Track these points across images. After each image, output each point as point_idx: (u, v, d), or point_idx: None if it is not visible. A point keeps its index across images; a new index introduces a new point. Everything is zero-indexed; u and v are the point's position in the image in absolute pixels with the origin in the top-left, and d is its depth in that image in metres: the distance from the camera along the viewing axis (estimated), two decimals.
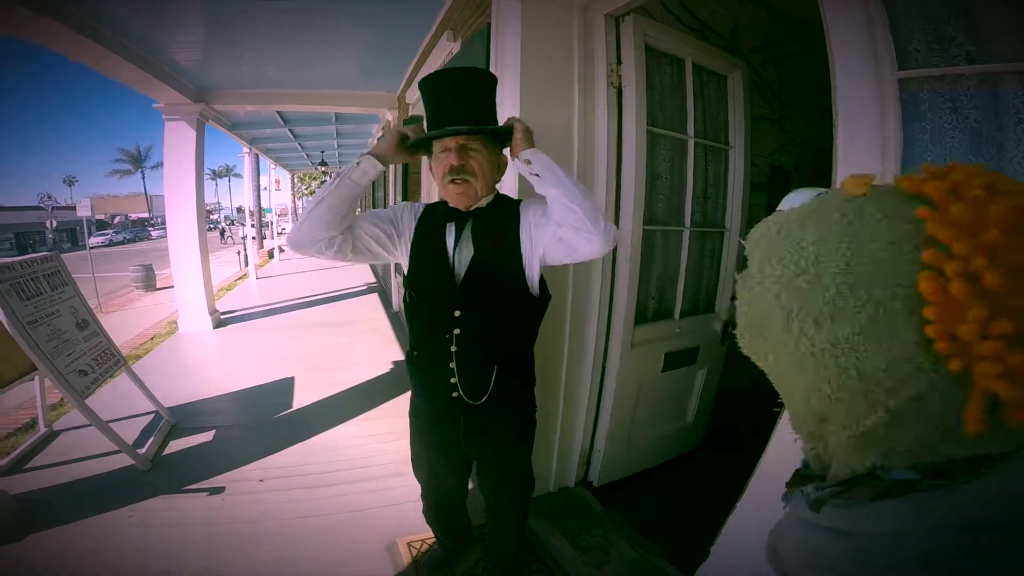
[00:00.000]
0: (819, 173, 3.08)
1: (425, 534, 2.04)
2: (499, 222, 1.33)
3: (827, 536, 0.41)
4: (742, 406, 2.78)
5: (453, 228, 1.33)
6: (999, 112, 0.96)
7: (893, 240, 0.33)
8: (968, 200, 0.32)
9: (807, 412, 0.41)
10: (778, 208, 0.44)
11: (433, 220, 1.36)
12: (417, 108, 4.56)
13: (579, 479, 2.44)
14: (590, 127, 1.94)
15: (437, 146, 1.29)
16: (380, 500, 2.35)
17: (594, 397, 2.28)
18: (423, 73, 3.91)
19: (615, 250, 2.08)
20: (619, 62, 1.93)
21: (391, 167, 5.95)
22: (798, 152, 3.06)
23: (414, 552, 1.99)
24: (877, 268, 0.33)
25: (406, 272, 1.38)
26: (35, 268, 2.64)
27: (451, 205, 1.34)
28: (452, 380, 1.34)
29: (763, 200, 3.02)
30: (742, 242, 0.45)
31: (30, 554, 1.99)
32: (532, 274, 1.31)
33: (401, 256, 1.40)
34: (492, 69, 2.02)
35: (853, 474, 0.39)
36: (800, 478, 0.49)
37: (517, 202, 1.40)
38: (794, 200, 0.43)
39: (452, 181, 1.27)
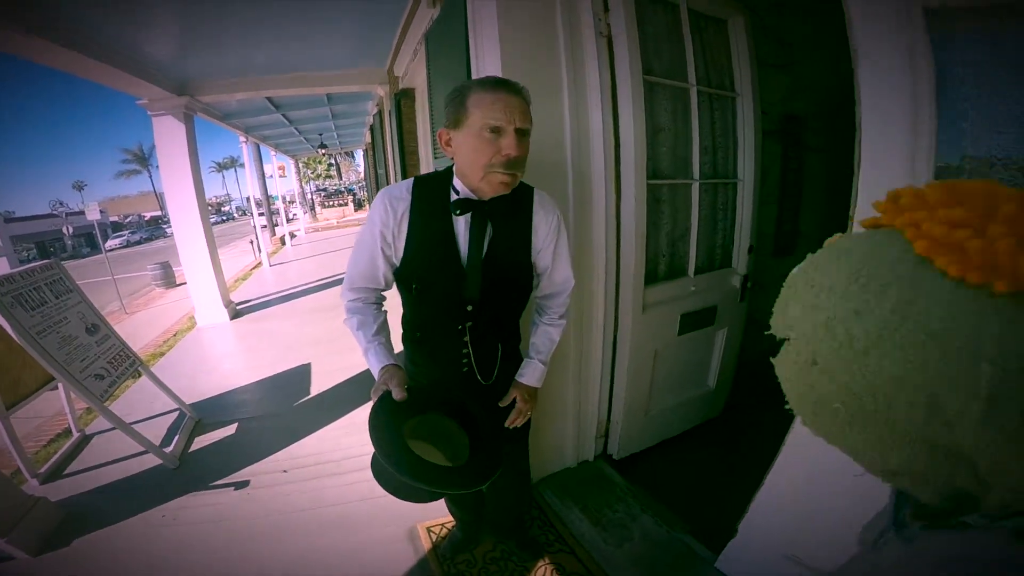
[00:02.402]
0: (835, 118, 2.90)
1: (443, 518, 2.03)
2: (514, 214, 1.25)
3: None
4: (766, 371, 2.71)
5: (463, 218, 1.20)
6: None
7: (878, 243, 0.38)
8: (907, 194, 0.38)
9: (922, 414, 0.34)
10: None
11: (432, 206, 1.20)
12: (407, 80, 4.40)
13: (598, 452, 2.39)
14: (580, 80, 1.80)
15: (478, 118, 1.07)
16: None
17: (607, 366, 2.20)
18: (408, 43, 3.77)
19: (618, 207, 1.97)
20: (606, 9, 1.77)
21: (387, 142, 5.89)
22: (810, 99, 2.88)
23: (433, 537, 1.98)
24: (879, 261, 0.37)
25: (400, 262, 1.25)
26: (36, 278, 2.63)
27: (469, 190, 1.18)
28: (464, 361, 1.34)
29: (777, 149, 2.86)
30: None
31: (77, 558, 2.07)
32: (536, 264, 1.34)
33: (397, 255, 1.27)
34: (470, 30, 1.89)
35: None
36: (940, 512, 0.40)
37: (529, 192, 1.29)
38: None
39: (503, 172, 1.10)
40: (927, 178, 0.98)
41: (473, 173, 1.13)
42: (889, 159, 1.04)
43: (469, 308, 1.26)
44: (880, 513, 0.50)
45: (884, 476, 0.41)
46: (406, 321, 1.40)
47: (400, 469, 1.00)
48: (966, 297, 0.32)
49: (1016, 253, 0.30)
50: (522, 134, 1.10)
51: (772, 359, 0.45)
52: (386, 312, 1.37)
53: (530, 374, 1.41)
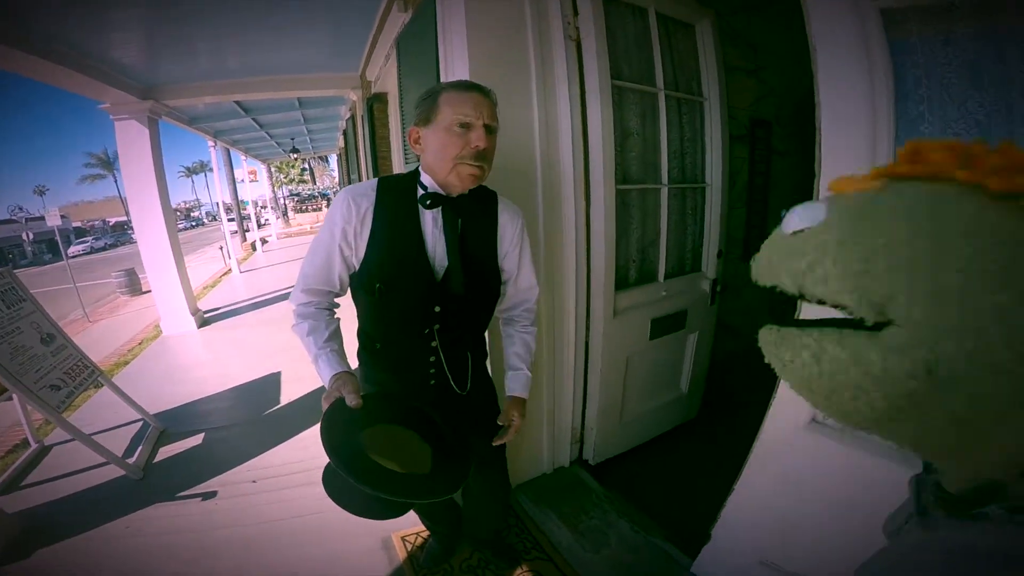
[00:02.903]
0: (801, 123, 2.97)
1: (418, 527, 2.00)
2: (481, 214, 1.26)
3: None
4: (737, 371, 2.74)
5: (430, 215, 1.20)
6: (1000, 42, 0.85)
7: (979, 207, 0.31)
8: (938, 147, 0.34)
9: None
10: (784, 229, 0.39)
11: (398, 204, 1.19)
12: (379, 85, 4.36)
13: (574, 458, 2.39)
14: (549, 84, 1.81)
15: (449, 115, 1.11)
16: None
17: (580, 372, 2.20)
18: (380, 47, 3.73)
19: (587, 212, 1.97)
20: (575, 13, 1.78)
21: (360, 147, 5.82)
22: (778, 103, 2.94)
23: (409, 547, 1.94)
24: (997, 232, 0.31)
25: (361, 261, 1.20)
26: None
27: (438, 186, 1.18)
28: (432, 371, 1.30)
29: (745, 153, 2.91)
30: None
31: (39, 569, 2.02)
32: (502, 267, 1.34)
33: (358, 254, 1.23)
34: (440, 35, 1.88)
35: None
36: (953, 501, 0.39)
37: (493, 196, 1.31)
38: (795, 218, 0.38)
39: (471, 164, 1.13)
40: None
41: (442, 166, 1.14)
42: (848, 161, 1.05)
43: (437, 309, 1.22)
44: (902, 505, 0.48)
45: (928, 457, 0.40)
46: (364, 332, 1.35)
47: (358, 478, 0.95)
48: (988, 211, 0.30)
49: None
50: (489, 130, 1.14)
51: (786, 345, 0.38)
52: (339, 320, 1.32)
53: (520, 386, 1.40)
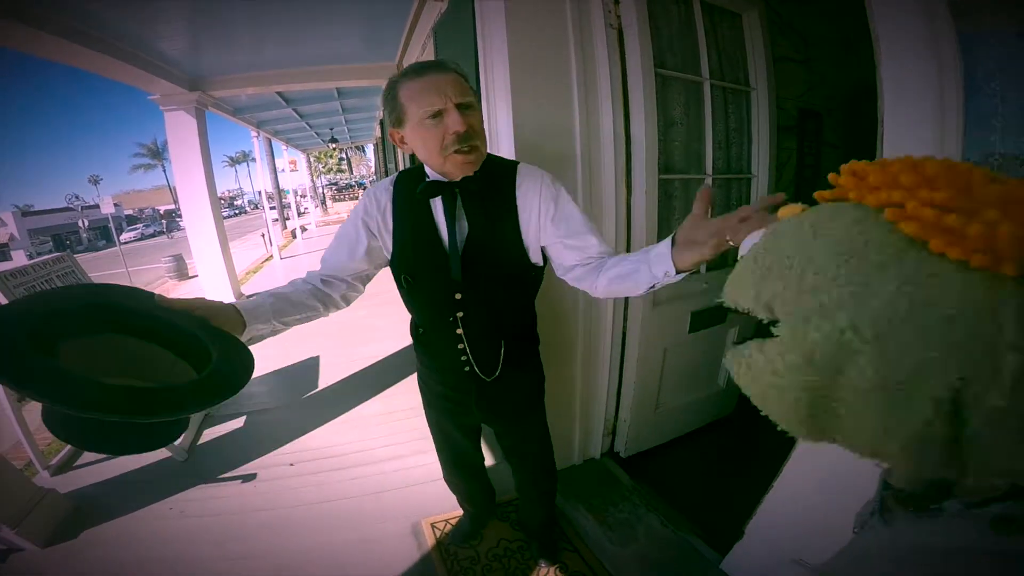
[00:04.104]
0: (854, 115, 2.83)
1: (448, 514, 2.03)
2: (494, 193, 1.17)
3: None
4: None
5: (440, 203, 1.15)
6: None
7: (855, 219, 0.35)
8: (874, 171, 0.37)
9: (942, 407, 0.30)
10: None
11: (410, 196, 1.17)
12: None
13: (605, 450, 2.37)
14: (590, 72, 1.77)
15: (418, 110, 1.03)
16: (403, 480, 2.34)
17: (616, 363, 2.18)
18: (416, 37, 3.74)
19: (628, 202, 1.93)
20: (616, 1, 1.74)
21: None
22: (829, 94, 2.81)
23: (438, 533, 1.97)
24: (863, 240, 0.34)
25: (390, 255, 1.23)
26: (48, 270, 2.67)
27: (440, 176, 1.13)
28: (463, 357, 1.30)
29: (793, 144, 2.80)
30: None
31: (85, 550, 2.09)
32: (534, 248, 1.21)
33: (387, 248, 1.24)
34: (477, 23, 1.87)
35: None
36: (908, 497, 0.39)
37: (511, 168, 1.21)
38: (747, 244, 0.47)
39: (459, 151, 1.05)
40: None
41: (434, 161, 1.10)
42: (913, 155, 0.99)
43: (458, 296, 1.21)
44: (870, 500, 0.48)
45: (870, 457, 0.38)
46: (412, 322, 1.38)
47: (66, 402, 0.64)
48: (977, 280, 0.29)
49: (1019, 239, 0.28)
50: (464, 107, 1.04)
51: (733, 359, 0.40)
52: (307, 291, 1.20)
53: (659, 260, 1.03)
